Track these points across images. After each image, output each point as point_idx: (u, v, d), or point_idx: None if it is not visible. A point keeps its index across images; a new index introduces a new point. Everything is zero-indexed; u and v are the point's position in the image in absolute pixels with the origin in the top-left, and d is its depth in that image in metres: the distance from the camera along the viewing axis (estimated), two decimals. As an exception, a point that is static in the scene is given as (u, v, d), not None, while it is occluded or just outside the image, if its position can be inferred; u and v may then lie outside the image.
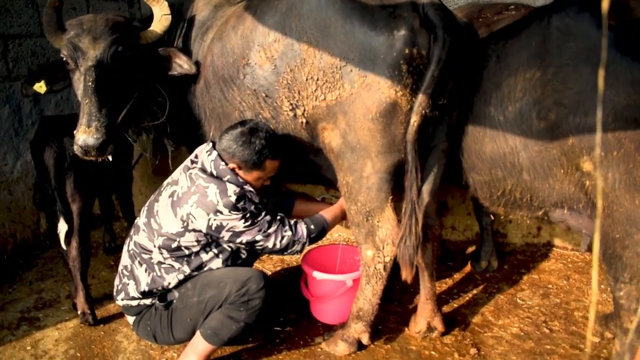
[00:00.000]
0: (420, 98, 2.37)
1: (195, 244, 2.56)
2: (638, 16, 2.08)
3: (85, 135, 2.52)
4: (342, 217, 2.90)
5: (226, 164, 2.57)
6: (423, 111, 2.38)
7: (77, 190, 3.06)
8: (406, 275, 2.62)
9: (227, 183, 2.51)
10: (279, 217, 2.65)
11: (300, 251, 2.71)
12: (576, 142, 2.23)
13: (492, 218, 3.66)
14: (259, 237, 2.56)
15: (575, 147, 2.24)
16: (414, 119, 2.38)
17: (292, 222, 2.68)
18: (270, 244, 2.59)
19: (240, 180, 2.58)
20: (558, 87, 2.22)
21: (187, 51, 3.00)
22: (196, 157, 2.69)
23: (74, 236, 3.09)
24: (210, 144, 2.67)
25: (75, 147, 2.57)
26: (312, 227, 2.70)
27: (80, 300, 3.13)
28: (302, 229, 2.67)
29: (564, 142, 2.27)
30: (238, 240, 2.55)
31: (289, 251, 2.66)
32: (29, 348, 2.96)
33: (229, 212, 2.46)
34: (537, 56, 2.27)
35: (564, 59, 2.20)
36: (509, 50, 2.40)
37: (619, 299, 2.33)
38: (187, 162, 2.69)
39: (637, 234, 2.17)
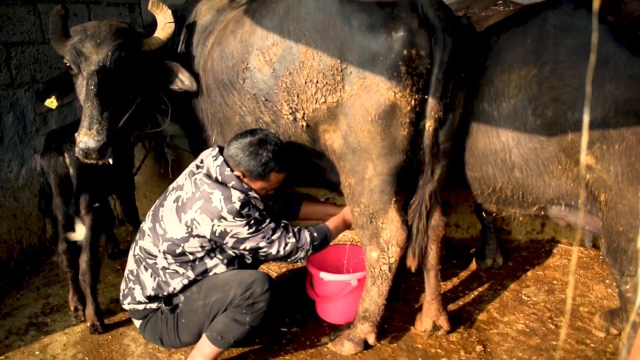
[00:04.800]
0: (431, 103, 2.39)
1: (200, 249, 2.56)
2: (633, 11, 2.10)
3: (86, 138, 2.54)
4: (345, 227, 2.92)
5: (232, 171, 2.57)
6: (436, 115, 2.40)
7: (89, 205, 3.03)
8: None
9: (232, 189, 2.50)
10: (282, 224, 2.65)
11: (304, 258, 2.72)
12: (576, 137, 2.24)
13: (492, 215, 3.64)
14: (262, 244, 2.56)
15: (575, 142, 2.25)
16: (429, 124, 2.42)
17: (295, 229, 2.68)
18: (274, 251, 2.60)
19: (245, 186, 2.57)
20: (555, 84, 2.22)
21: (189, 56, 3.02)
22: (201, 162, 2.68)
23: (84, 250, 3.07)
24: (217, 149, 2.66)
25: (76, 150, 2.60)
26: (315, 234, 2.71)
27: (90, 313, 3.12)
28: (305, 236, 2.68)
29: (562, 138, 2.27)
30: (242, 247, 2.56)
31: (293, 258, 2.67)
32: (37, 353, 2.99)
33: (233, 218, 2.46)
34: (533, 53, 2.27)
35: (562, 56, 2.20)
36: (503, 47, 2.39)
37: (625, 292, 2.31)
38: (192, 166, 2.69)
39: None
